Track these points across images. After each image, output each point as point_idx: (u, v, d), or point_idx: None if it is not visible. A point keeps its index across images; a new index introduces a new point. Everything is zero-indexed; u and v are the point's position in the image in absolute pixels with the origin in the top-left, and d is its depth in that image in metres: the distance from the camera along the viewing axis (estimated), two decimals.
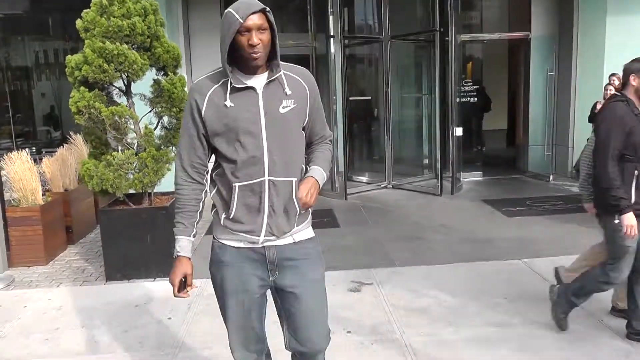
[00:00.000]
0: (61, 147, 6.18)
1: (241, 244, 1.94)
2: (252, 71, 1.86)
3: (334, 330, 3.40)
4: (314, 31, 8.52)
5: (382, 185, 8.19)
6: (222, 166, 1.91)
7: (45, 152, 7.18)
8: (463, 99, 8.47)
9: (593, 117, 6.77)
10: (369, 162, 8.77)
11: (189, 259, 1.95)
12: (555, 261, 4.49)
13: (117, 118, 4.30)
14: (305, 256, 1.98)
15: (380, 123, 8.41)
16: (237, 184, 1.87)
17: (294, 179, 1.91)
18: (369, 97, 8.77)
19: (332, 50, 7.47)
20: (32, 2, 8.15)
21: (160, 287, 4.27)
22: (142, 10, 4.40)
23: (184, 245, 1.95)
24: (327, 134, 2.12)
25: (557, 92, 8.27)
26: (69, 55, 4.42)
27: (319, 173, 1.99)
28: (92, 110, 4.25)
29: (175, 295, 1.93)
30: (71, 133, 6.37)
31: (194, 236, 1.97)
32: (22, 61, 9.27)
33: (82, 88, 4.31)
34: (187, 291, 1.95)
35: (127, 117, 4.37)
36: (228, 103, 1.84)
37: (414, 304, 3.81)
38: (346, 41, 7.30)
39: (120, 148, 4.55)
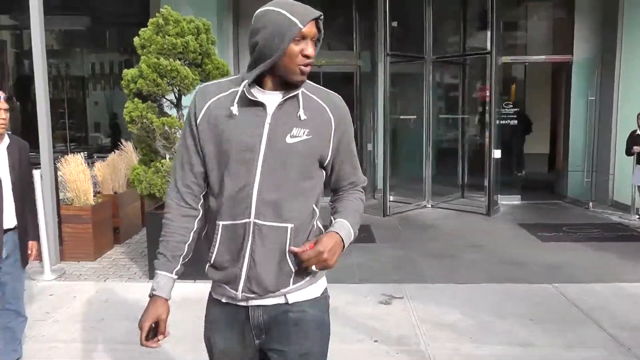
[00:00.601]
0: (112, 152, 6.58)
1: (224, 299, 1.61)
2: (278, 85, 1.53)
3: (362, 339, 3.57)
4: (358, 49, 8.74)
5: (421, 204, 8.27)
6: (209, 198, 1.61)
7: (97, 156, 7.60)
8: (503, 121, 8.50)
9: (630, 150, 6.71)
10: (408, 181, 8.85)
11: (167, 300, 1.56)
12: (586, 288, 4.53)
13: (167, 128, 4.61)
14: (296, 322, 1.56)
15: (421, 142, 8.54)
16: (220, 223, 1.54)
17: (290, 226, 1.52)
18: (411, 117, 8.89)
19: (376, 68, 7.66)
20: (92, 19, 8.70)
21: (199, 288, 4.49)
22: (195, 30, 4.71)
23: (162, 283, 1.56)
24: (360, 180, 1.72)
25: (598, 117, 8.20)
26: (126, 70, 4.77)
27: (346, 230, 1.58)
28: (144, 120, 4.57)
29: (141, 344, 1.52)
30: (122, 140, 6.76)
31: (177, 273, 1.60)
32: (79, 72, 9.85)
33: (136, 99, 4.65)
34: (159, 340, 1.54)
35: (177, 127, 4.67)
36: (234, 109, 1.51)
37: (442, 319, 3.91)
38: (389, 60, 7.46)
39: (168, 156, 4.85)
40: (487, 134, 7.73)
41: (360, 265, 5.23)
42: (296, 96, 1.54)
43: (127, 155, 6.50)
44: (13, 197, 2.84)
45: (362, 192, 1.73)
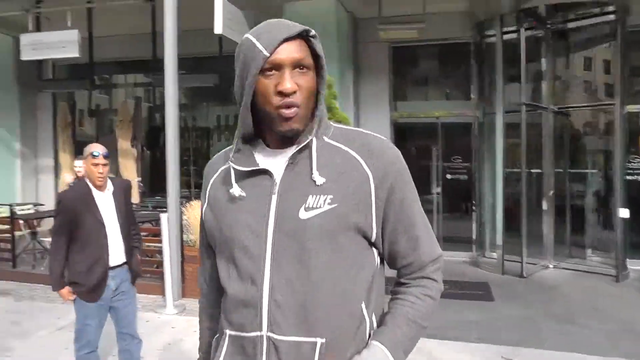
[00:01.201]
0: None
1: None
2: (281, 143, 1.16)
3: None
4: (476, 100, 8.61)
5: (542, 264, 7.78)
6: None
7: None
8: (631, 177, 7.85)
9: None
10: (529, 239, 8.34)
11: None
12: None
13: None
14: None
15: (541, 197, 8.09)
16: (227, 331, 1.18)
17: (320, 341, 1.10)
18: (535, 170, 8.48)
19: (493, 117, 7.51)
20: (220, 77, 9.43)
21: None
22: None
23: (201, 345, 1.44)
24: (424, 260, 1.20)
25: None
26: None
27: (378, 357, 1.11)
28: None
29: None
30: None
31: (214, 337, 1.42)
32: (204, 123, 10.70)
33: None
34: None
35: None
36: (236, 192, 1.16)
37: None
38: (510, 110, 7.30)
39: None
40: (613, 190, 7.18)
41: (478, 323, 5.01)
42: (308, 149, 1.13)
43: None
44: (121, 237, 3.14)
45: (432, 279, 1.20)
